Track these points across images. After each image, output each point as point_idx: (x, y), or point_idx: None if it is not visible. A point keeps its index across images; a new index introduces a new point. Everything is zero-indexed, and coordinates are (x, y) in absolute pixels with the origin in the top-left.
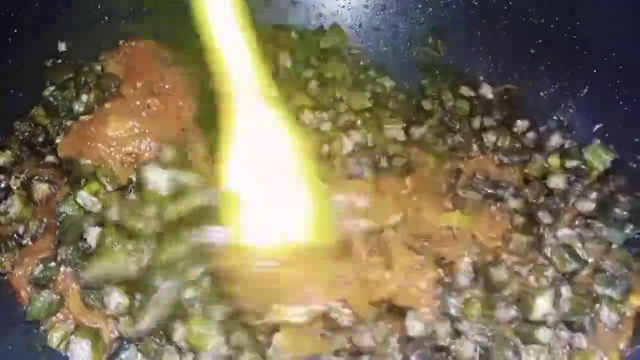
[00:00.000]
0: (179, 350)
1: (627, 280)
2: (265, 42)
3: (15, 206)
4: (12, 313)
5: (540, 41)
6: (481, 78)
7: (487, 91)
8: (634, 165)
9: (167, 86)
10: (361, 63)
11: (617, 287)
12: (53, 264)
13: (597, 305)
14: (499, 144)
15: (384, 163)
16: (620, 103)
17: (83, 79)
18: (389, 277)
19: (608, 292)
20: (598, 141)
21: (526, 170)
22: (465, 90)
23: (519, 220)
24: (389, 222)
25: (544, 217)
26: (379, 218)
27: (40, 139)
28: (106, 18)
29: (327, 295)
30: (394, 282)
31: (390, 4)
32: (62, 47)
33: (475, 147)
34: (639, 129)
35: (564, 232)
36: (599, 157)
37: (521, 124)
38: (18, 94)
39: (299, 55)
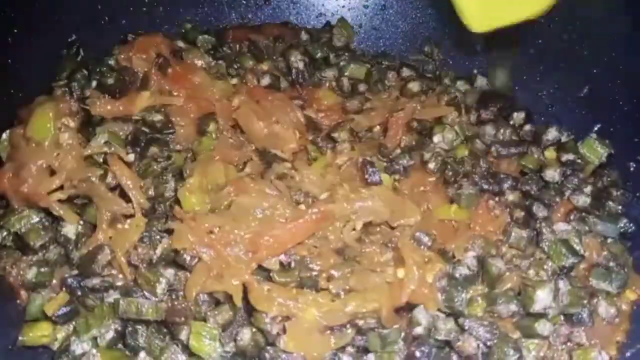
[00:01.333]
0: (185, 348)
1: (623, 274)
2: (274, 41)
3: None
4: (12, 313)
5: (540, 41)
6: (475, 71)
7: (482, 83)
8: (634, 165)
9: None
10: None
11: (614, 282)
12: (45, 268)
13: (595, 300)
14: (500, 136)
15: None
16: (620, 103)
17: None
18: (403, 276)
19: (604, 286)
20: (594, 135)
21: (522, 163)
22: (461, 85)
23: (519, 214)
24: (409, 222)
25: (539, 210)
26: (396, 218)
27: None
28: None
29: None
30: (412, 283)
31: (390, 4)
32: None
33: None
34: (639, 129)
35: (560, 227)
36: (594, 151)
37: (517, 116)
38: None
39: (313, 56)
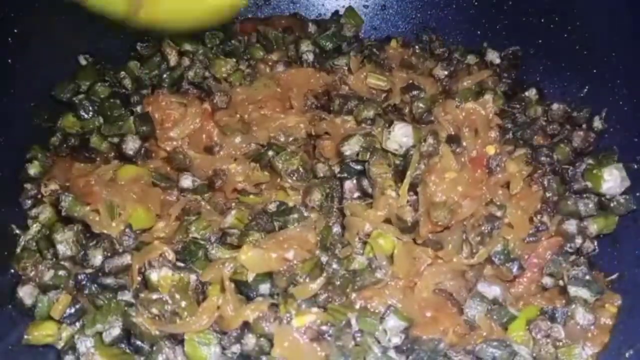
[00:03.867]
0: None
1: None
2: (283, 32)
3: (45, 212)
4: (12, 313)
5: (540, 41)
6: (485, 44)
7: (494, 57)
8: (635, 166)
9: None
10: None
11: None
12: (63, 272)
13: (573, 306)
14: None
15: None
16: (620, 103)
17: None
18: None
19: (581, 293)
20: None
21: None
22: (471, 59)
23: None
24: None
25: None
26: None
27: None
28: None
29: None
30: None
31: (390, 4)
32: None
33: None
34: (639, 129)
35: None
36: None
37: (530, 92)
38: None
39: (323, 47)
